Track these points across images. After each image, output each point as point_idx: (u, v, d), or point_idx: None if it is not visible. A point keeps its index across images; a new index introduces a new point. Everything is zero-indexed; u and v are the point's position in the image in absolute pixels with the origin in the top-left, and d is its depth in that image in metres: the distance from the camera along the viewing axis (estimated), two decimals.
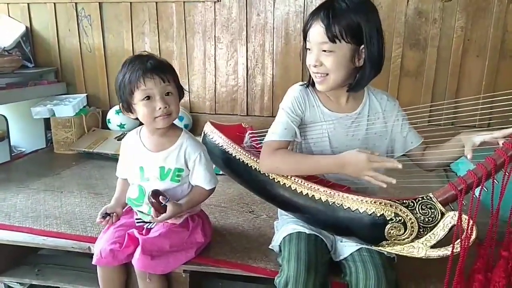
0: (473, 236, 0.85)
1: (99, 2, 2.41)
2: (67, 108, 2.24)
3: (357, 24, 0.95)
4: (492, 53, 2.05)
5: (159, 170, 1.10)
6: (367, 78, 1.01)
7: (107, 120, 2.39)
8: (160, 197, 1.05)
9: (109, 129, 2.37)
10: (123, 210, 1.18)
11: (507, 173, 0.83)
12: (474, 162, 0.89)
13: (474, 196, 0.85)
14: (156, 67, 1.05)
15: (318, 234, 1.02)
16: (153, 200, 1.04)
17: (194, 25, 2.34)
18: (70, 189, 1.69)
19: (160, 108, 1.04)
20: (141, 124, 1.15)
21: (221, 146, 1.22)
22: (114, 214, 1.14)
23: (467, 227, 0.84)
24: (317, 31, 0.97)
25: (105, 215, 1.12)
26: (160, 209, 1.04)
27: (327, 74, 0.99)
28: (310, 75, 1.05)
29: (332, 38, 0.95)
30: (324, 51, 0.97)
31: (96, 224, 1.18)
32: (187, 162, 1.11)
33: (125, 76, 1.04)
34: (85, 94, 2.46)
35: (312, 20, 0.98)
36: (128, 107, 1.08)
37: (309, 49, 1.01)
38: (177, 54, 2.39)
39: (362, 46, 0.97)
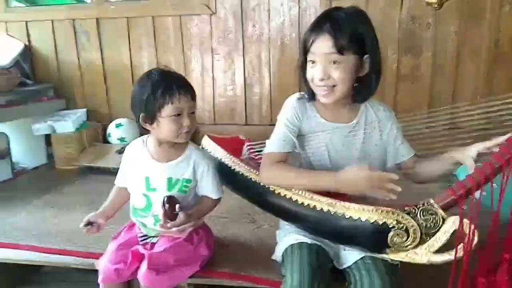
0: (475, 240, 0.85)
1: (97, 18, 2.44)
2: (67, 124, 2.25)
3: (360, 34, 0.97)
4: (486, 57, 2.07)
5: (166, 181, 1.10)
6: (374, 87, 1.03)
7: (107, 134, 2.40)
8: (177, 205, 1.05)
9: (109, 143, 2.38)
10: (124, 226, 1.18)
11: (505, 177, 0.84)
12: None
13: (474, 199, 0.86)
14: (188, 85, 1.08)
15: (320, 244, 1.02)
16: (167, 206, 1.04)
17: (191, 37, 2.37)
18: (72, 205, 1.69)
19: (186, 125, 1.05)
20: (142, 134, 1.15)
21: (220, 159, 1.23)
22: (96, 224, 1.12)
23: (469, 232, 0.85)
24: (324, 43, 0.96)
25: (87, 224, 1.11)
26: (171, 216, 1.04)
27: (333, 86, 0.99)
28: (309, 89, 1.05)
29: (340, 50, 0.95)
30: (334, 63, 0.97)
31: (98, 239, 1.18)
32: (195, 173, 1.12)
33: (156, 89, 1.03)
34: (85, 109, 2.47)
35: (316, 33, 0.97)
36: (151, 119, 1.06)
37: (313, 62, 1.00)
38: (175, 66, 2.38)
39: (366, 56, 0.98)
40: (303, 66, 1.03)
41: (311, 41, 0.98)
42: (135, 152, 1.15)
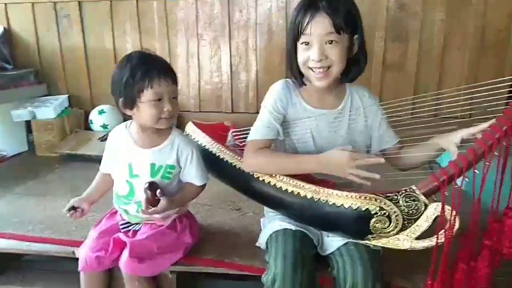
0: (456, 226, 0.86)
1: (79, 1, 2.37)
2: (48, 110, 2.20)
3: (353, 13, 0.97)
4: (473, 45, 2.08)
5: (149, 166, 1.08)
6: (362, 68, 1.03)
7: (89, 121, 2.35)
8: (157, 190, 1.03)
9: (91, 130, 2.34)
10: (106, 213, 1.17)
11: (487, 163, 0.84)
12: None
13: (456, 186, 0.86)
14: (169, 69, 1.05)
15: (304, 230, 1.02)
16: (149, 192, 1.02)
17: (176, 22, 2.32)
18: (53, 193, 1.66)
19: (167, 110, 1.03)
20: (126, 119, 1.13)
21: (204, 146, 1.21)
22: (79, 209, 1.11)
23: (450, 218, 0.86)
24: (321, 22, 0.94)
25: (71, 208, 1.10)
26: (153, 202, 1.03)
27: (328, 68, 0.98)
28: (299, 74, 1.03)
29: (338, 29, 0.94)
30: (330, 42, 0.95)
31: (79, 227, 1.17)
32: (179, 159, 1.10)
33: (135, 73, 1.00)
34: (67, 95, 2.42)
35: (312, 13, 0.94)
36: (131, 104, 1.04)
37: (307, 44, 0.97)
38: (159, 52, 2.35)
39: (356, 35, 0.98)
40: (291, 50, 1.01)
41: (306, 22, 0.95)
42: (118, 138, 1.13)
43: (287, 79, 1.10)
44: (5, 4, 2.43)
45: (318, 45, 0.96)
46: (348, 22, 0.95)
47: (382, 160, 0.90)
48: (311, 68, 0.99)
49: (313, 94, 1.07)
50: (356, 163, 0.91)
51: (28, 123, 2.28)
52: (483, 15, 2.03)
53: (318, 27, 0.94)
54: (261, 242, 1.11)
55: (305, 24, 0.95)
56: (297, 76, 1.04)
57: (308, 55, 0.97)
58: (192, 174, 1.12)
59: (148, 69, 1.01)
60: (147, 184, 1.04)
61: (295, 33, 0.98)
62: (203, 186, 1.15)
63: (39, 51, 2.49)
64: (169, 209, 1.06)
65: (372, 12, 2.10)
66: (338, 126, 1.06)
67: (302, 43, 0.98)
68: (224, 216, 1.42)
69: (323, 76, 0.98)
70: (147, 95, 1.01)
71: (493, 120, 0.87)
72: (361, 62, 1.02)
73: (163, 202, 1.03)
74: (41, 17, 2.43)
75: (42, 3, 2.40)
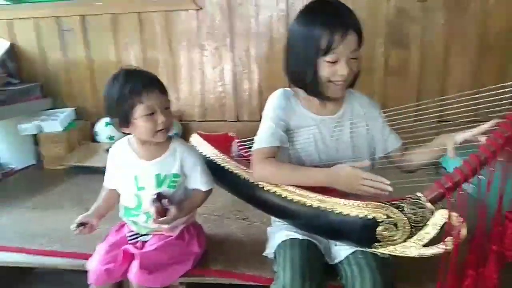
0: (464, 233, 0.85)
1: (82, 15, 2.40)
2: (54, 123, 2.22)
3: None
4: (474, 48, 2.08)
5: (155, 177, 1.10)
6: (358, 73, 1.04)
7: (94, 133, 2.37)
8: (165, 200, 1.05)
9: (97, 141, 2.35)
10: (112, 227, 1.17)
11: (491, 169, 0.85)
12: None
13: (461, 192, 0.86)
14: (154, 80, 1.06)
15: (311, 239, 1.02)
16: (157, 203, 1.03)
17: (178, 33, 2.34)
18: (62, 206, 1.68)
19: (162, 122, 1.04)
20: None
21: (209, 157, 1.23)
22: (88, 225, 1.11)
23: (458, 224, 0.86)
24: (352, 41, 0.95)
25: (80, 224, 1.09)
26: (162, 212, 1.04)
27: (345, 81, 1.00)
28: (317, 87, 1.01)
29: (360, 45, 0.97)
30: (354, 58, 0.97)
31: (89, 239, 1.17)
32: (182, 166, 1.12)
33: (123, 90, 1.02)
34: (73, 108, 2.44)
35: (343, 32, 0.93)
36: (126, 122, 1.05)
37: (333, 62, 0.96)
38: (163, 63, 2.38)
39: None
40: (310, 65, 0.98)
41: (336, 41, 0.93)
42: (120, 152, 1.15)
43: (286, 88, 1.11)
44: (10, 20, 2.47)
45: (345, 62, 0.96)
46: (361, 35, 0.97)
47: (390, 188, 0.89)
48: (332, 82, 1.00)
49: (312, 101, 1.07)
50: (365, 182, 0.91)
51: (35, 136, 2.30)
52: (484, 19, 2.03)
53: (348, 45, 0.95)
54: (269, 252, 1.11)
55: (335, 44, 0.94)
56: (316, 90, 1.02)
57: (334, 71, 0.97)
58: (198, 180, 1.14)
59: (135, 85, 1.02)
60: (155, 196, 1.05)
61: (318, 50, 0.95)
62: (209, 191, 1.17)
63: (44, 65, 2.52)
64: (179, 217, 1.08)
65: (371, 18, 2.11)
66: (341, 132, 1.07)
67: (328, 61, 0.96)
68: (231, 226, 1.42)
69: (341, 88, 1.01)
70: (139, 110, 1.02)
71: (493, 121, 0.89)
72: (358, 70, 1.04)
73: (172, 210, 1.04)
74: (45, 31, 2.47)
75: (46, 18, 2.43)
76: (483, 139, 0.89)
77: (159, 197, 1.05)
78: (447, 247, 0.87)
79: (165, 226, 1.08)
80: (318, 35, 0.95)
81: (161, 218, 1.04)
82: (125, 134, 1.13)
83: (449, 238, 0.86)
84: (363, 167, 0.94)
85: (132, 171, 1.11)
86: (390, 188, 0.89)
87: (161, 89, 1.06)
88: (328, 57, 0.96)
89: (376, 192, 0.91)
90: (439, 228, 0.88)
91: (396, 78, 2.19)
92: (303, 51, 0.99)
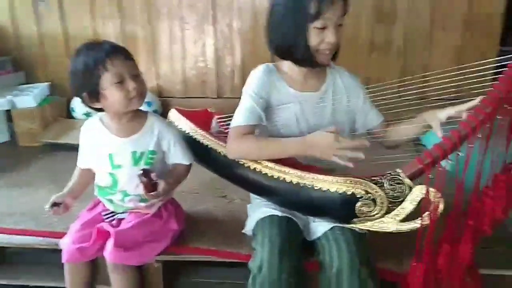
0: (441, 208, 0.86)
1: None
2: (28, 98, 2.13)
3: None
4: (458, 25, 2.07)
5: (131, 155, 1.07)
6: (339, 45, 1.03)
7: (71, 109, 2.30)
8: (153, 174, 1.02)
9: (74, 118, 2.29)
10: (88, 206, 1.15)
11: (470, 145, 0.84)
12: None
13: (440, 168, 0.86)
14: (117, 47, 1.02)
15: (290, 216, 1.02)
16: (144, 178, 1.01)
17: (159, 6, 2.25)
18: (37, 184, 1.63)
19: (133, 88, 1.00)
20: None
21: (188, 133, 1.20)
22: (63, 205, 1.08)
23: (435, 200, 0.86)
24: (339, 6, 0.95)
25: (54, 204, 1.06)
26: (151, 187, 1.02)
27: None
28: (308, 56, 0.99)
29: (345, 12, 0.96)
30: (340, 25, 0.97)
31: (63, 218, 1.14)
32: (160, 143, 1.09)
33: (87, 61, 0.98)
34: (48, 83, 2.34)
35: None
36: (96, 96, 1.01)
37: (321, 28, 0.96)
38: (142, 37, 2.30)
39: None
40: (301, 33, 0.97)
41: (325, 6, 0.93)
42: (92, 132, 1.11)
43: (268, 63, 1.08)
44: None
45: (334, 29, 0.96)
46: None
47: (367, 143, 0.90)
48: (319, 50, 0.98)
49: (295, 77, 1.05)
50: (340, 145, 0.91)
51: (8, 112, 2.22)
52: None
53: (336, 11, 0.95)
54: (248, 229, 1.10)
55: (324, 9, 0.93)
56: (306, 58, 1.00)
57: (322, 38, 0.97)
58: (179, 155, 1.12)
59: (97, 53, 0.98)
60: (141, 171, 1.02)
61: (307, 17, 0.95)
62: (190, 165, 1.15)
63: (17, 38, 2.40)
64: (170, 190, 1.06)
65: None
66: (323, 109, 1.05)
67: (316, 27, 0.96)
68: (210, 204, 1.41)
69: (329, 55, 1.00)
70: (106, 79, 0.98)
71: (480, 97, 0.87)
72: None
73: (162, 184, 1.02)
74: (18, 2, 2.34)
75: None
76: (466, 115, 0.88)
77: (146, 172, 1.02)
78: (424, 222, 0.87)
79: (156, 200, 1.06)
80: (306, 0, 0.94)
81: (153, 192, 1.01)
82: (98, 110, 1.08)
83: (426, 214, 0.86)
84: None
85: (106, 149, 1.07)
86: (361, 156, 0.89)
87: (127, 55, 1.02)
88: (317, 23, 0.95)
89: (353, 156, 0.90)
90: (416, 203, 0.89)
91: (381, 54, 2.18)
92: (291, 19, 0.97)
